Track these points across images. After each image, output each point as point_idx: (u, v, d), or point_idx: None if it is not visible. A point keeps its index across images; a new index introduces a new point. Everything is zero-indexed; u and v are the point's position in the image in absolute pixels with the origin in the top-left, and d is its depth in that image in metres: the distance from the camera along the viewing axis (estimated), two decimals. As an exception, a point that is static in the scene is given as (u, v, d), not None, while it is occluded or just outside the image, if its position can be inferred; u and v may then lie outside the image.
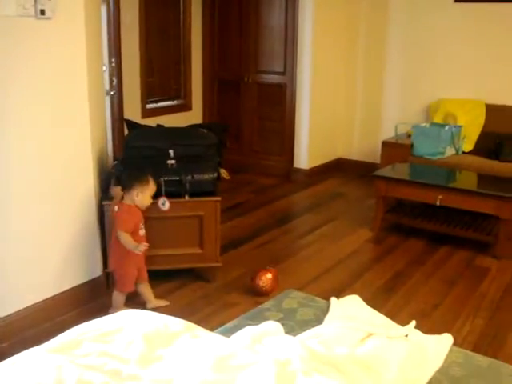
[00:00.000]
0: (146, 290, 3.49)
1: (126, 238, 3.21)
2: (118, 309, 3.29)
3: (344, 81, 6.60)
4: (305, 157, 6.32)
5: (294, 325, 2.22)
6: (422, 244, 4.59)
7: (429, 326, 3.25)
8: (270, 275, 3.61)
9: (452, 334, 3.22)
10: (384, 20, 6.32)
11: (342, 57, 6.51)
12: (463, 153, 5.47)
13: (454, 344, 2.16)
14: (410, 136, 5.59)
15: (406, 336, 2.11)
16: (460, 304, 3.64)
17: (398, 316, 3.34)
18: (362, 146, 6.71)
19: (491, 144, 5.37)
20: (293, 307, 2.37)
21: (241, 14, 6.44)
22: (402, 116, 6.22)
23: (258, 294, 3.58)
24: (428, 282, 3.95)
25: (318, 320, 2.24)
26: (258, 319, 2.22)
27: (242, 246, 4.46)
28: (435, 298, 3.72)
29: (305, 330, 2.12)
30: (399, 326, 2.19)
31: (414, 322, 2.19)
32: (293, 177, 6.35)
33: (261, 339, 1.92)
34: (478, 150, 5.48)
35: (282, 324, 2.15)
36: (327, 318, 2.20)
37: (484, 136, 5.53)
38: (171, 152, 3.60)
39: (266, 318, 2.22)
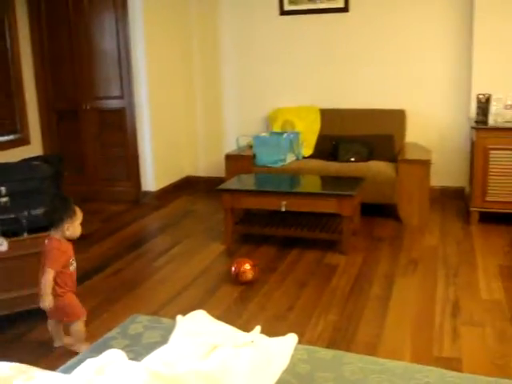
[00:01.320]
0: (57, 327, 3.32)
1: (48, 282, 3.05)
2: (81, 342, 3.17)
3: (183, 99, 6.63)
4: (151, 179, 6.26)
5: (141, 349, 2.17)
6: (273, 250, 4.70)
7: (285, 329, 3.30)
8: (247, 265, 4.06)
9: (307, 333, 3.35)
10: (216, 36, 6.46)
11: (179, 75, 6.54)
12: (304, 158, 5.69)
13: (310, 342, 2.21)
14: (251, 147, 5.72)
15: (252, 342, 2.13)
16: (313, 303, 3.76)
17: (255, 324, 3.35)
18: (207, 162, 6.78)
19: (328, 147, 5.65)
20: (138, 332, 2.31)
21: (71, 39, 6.27)
22: (243, 128, 6.37)
23: (242, 282, 4.05)
24: (281, 287, 4.04)
25: (165, 341, 2.20)
26: (102, 350, 2.13)
27: (93, 277, 4.31)
28: (289, 300, 3.82)
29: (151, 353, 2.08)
30: (245, 333, 2.21)
31: (258, 327, 2.21)
32: (142, 200, 6.27)
33: (103, 370, 1.86)
34: (317, 153, 5.74)
35: (129, 350, 2.10)
36: (172, 337, 2.17)
37: (321, 139, 5.81)
38: (2, 189, 3.43)
39: (111, 347, 2.14)
